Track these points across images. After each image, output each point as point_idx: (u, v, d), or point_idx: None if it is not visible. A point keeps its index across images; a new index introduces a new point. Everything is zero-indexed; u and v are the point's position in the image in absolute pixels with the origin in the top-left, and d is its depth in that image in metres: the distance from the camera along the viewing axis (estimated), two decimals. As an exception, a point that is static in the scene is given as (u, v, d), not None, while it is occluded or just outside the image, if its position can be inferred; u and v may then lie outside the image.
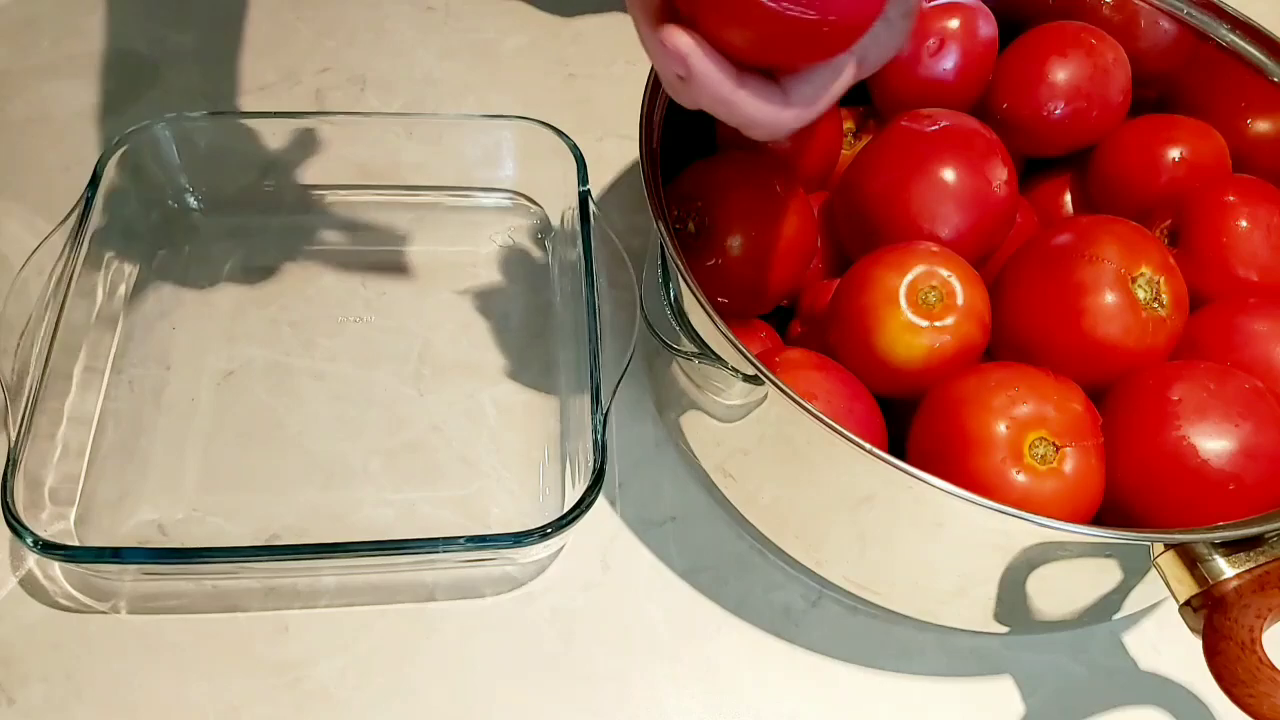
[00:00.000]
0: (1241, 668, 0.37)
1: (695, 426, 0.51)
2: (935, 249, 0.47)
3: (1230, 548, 0.39)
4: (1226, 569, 0.39)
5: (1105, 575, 0.44)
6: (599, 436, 0.47)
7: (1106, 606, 0.47)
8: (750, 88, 0.36)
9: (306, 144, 0.62)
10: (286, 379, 0.55)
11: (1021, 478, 0.42)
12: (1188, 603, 0.39)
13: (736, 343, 0.42)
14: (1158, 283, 0.45)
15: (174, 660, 0.47)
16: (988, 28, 0.54)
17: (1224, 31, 0.54)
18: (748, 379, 0.43)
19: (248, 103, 0.67)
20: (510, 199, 0.63)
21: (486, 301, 0.59)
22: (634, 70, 0.48)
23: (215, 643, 0.48)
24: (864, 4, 0.35)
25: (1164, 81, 0.56)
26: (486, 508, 0.52)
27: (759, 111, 0.37)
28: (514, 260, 0.61)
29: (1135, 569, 0.42)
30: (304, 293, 0.59)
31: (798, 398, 0.40)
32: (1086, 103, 0.53)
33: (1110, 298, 0.44)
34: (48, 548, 0.43)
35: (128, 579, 0.49)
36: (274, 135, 0.61)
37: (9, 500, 0.44)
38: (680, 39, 0.36)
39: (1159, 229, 0.51)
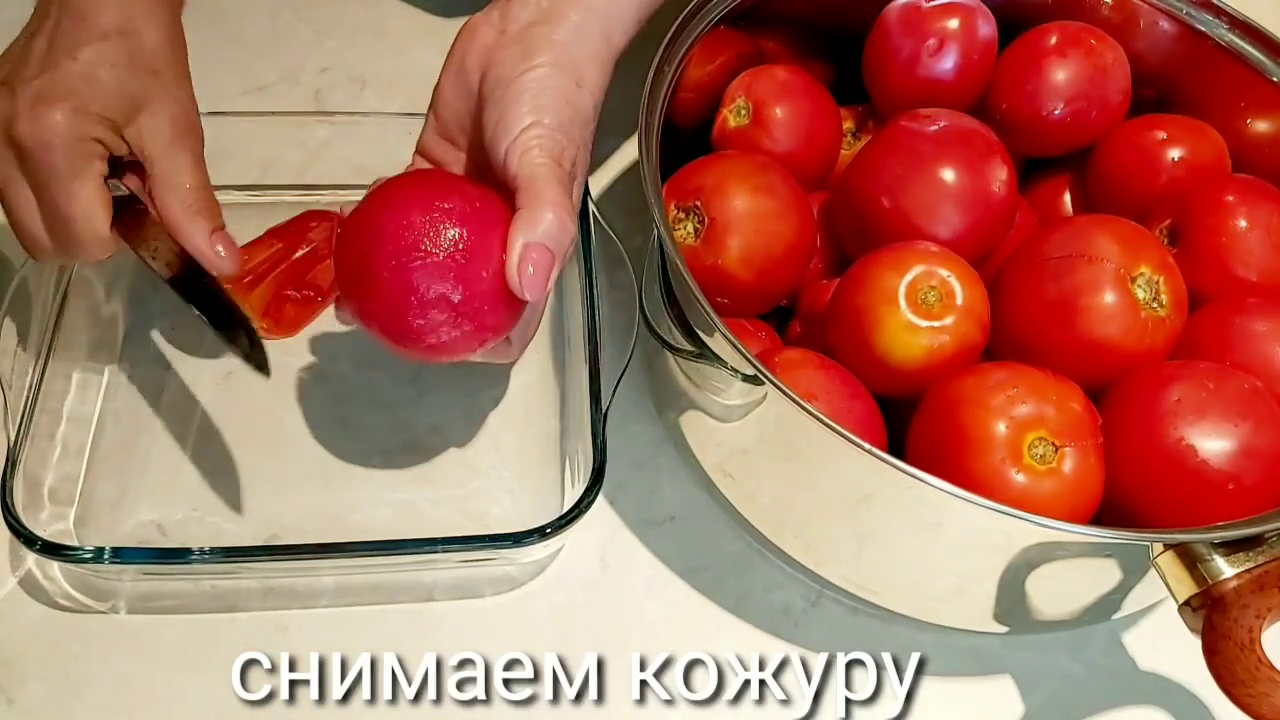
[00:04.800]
0: (1240, 667, 0.37)
1: (695, 426, 0.51)
2: (934, 249, 0.47)
3: (1229, 547, 0.39)
4: (1226, 569, 0.39)
5: (1104, 575, 0.44)
6: (598, 436, 0.47)
7: (1106, 606, 0.47)
8: (488, 352, 0.45)
9: (306, 144, 0.62)
10: (286, 379, 0.55)
11: (1020, 477, 0.42)
12: (1187, 603, 0.40)
13: (736, 343, 0.42)
14: (1157, 282, 0.45)
15: (173, 660, 0.47)
16: (987, 28, 0.54)
17: (1223, 31, 0.54)
18: (747, 379, 0.43)
19: (247, 103, 0.67)
20: (510, 199, 0.63)
21: (486, 301, 0.59)
22: (633, 71, 0.48)
23: (215, 643, 0.48)
24: (508, 308, 0.42)
25: (1163, 81, 0.56)
26: (486, 508, 0.52)
27: (498, 360, 0.47)
28: (514, 260, 0.61)
29: (1134, 569, 0.42)
30: (304, 293, 0.59)
31: (797, 397, 0.40)
32: (1086, 103, 0.53)
33: (1109, 297, 0.44)
34: (47, 548, 0.43)
35: (127, 579, 0.49)
36: (274, 135, 0.61)
37: (8, 500, 0.44)
38: None
39: (1158, 229, 0.51)
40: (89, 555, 0.44)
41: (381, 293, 0.42)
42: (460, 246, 0.41)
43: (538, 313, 0.47)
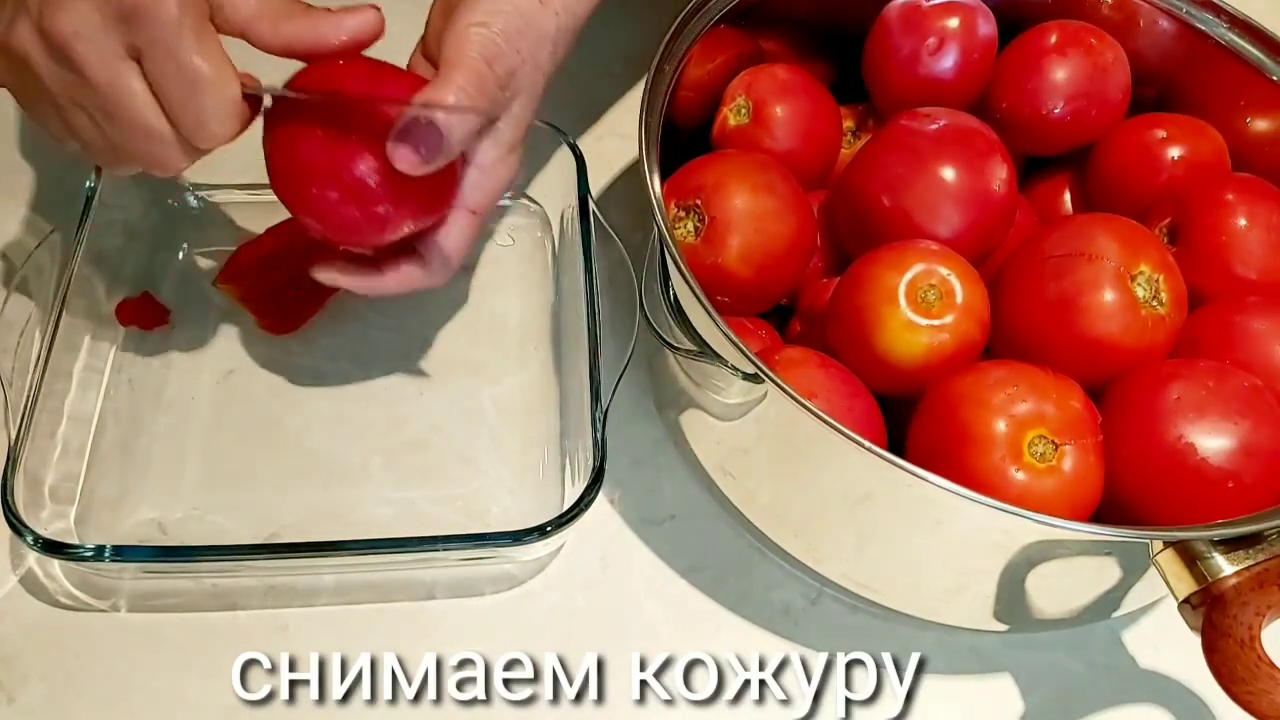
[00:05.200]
0: (1240, 665, 0.37)
1: (695, 425, 0.51)
2: (934, 247, 0.47)
3: (1229, 545, 0.39)
4: (1225, 566, 0.39)
5: (1104, 573, 0.44)
6: (598, 435, 0.47)
7: (1106, 604, 0.47)
8: (391, 275, 0.46)
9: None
10: (286, 378, 0.55)
11: (1021, 475, 0.42)
12: (1187, 600, 0.40)
13: (736, 341, 0.42)
14: (1157, 281, 0.45)
15: (174, 659, 0.47)
16: (987, 27, 0.54)
17: (1223, 30, 0.54)
18: (747, 377, 0.43)
19: (248, 103, 0.67)
20: (510, 199, 0.63)
21: (486, 301, 0.59)
22: (633, 70, 0.48)
23: (215, 641, 0.48)
24: (409, 190, 0.42)
25: (1163, 80, 0.57)
26: (486, 506, 0.52)
27: (406, 287, 0.46)
28: (514, 260, 0.61)
29: (1134, 567, 0.42)
30: (304, 292, 0.59)
31: (797, 396, 0.40)
32: (1086, 102, 0.53)
33: (1109, 296, 0.45)
34: (48, 546, 0.44)
35: (127, 577, 0.49)
36: (274, 135, 0.61)
37: (9, 499, 0.44)
38: (323, 274, 0.46)
39: (1158, 227, 0.51)
40: (90, 553, 0.44)
41: (283, 175, 0.43)
42: (352, 127, 0.41)
43: (461, 232, 0.46)
